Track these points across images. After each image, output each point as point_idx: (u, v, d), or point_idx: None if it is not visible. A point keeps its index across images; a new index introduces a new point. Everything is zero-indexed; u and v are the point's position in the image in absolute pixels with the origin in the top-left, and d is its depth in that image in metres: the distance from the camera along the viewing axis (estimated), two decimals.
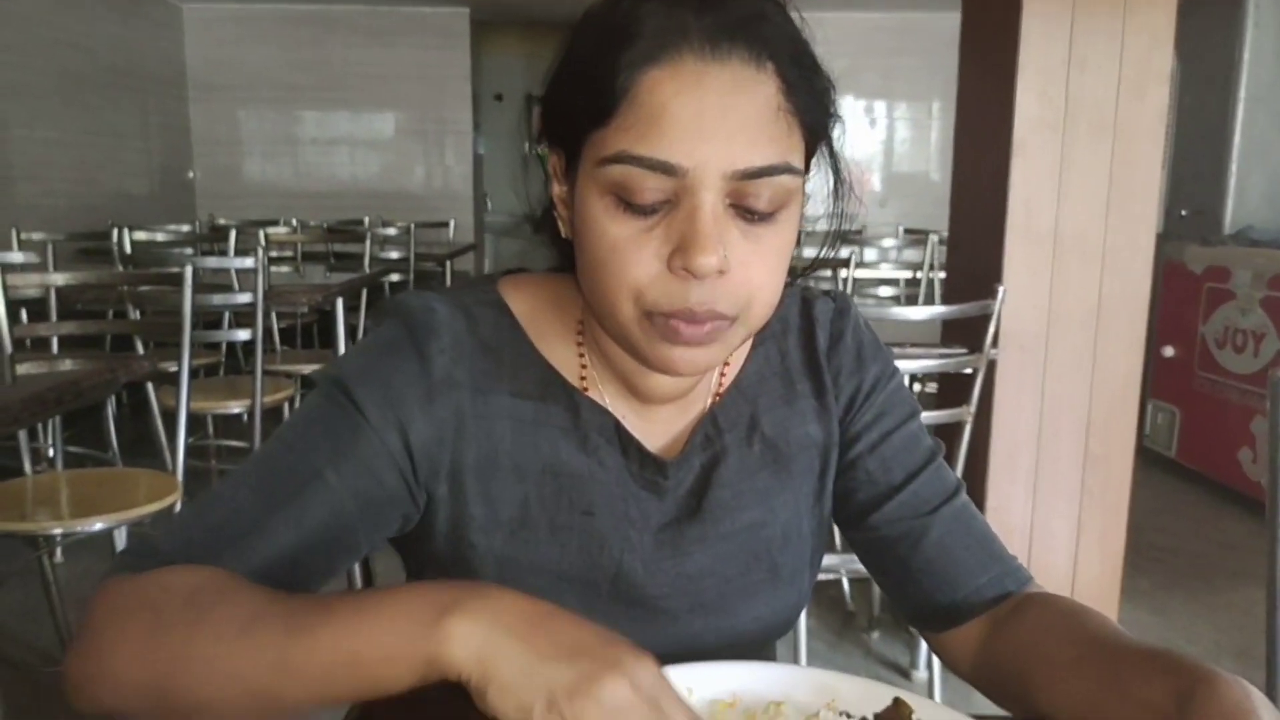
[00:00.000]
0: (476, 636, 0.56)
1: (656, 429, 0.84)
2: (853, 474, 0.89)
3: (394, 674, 0.58)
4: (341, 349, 2.61)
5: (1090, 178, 2.50)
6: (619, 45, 0.68)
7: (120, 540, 2.22)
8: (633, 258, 0.69)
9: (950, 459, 1.97)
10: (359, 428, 0.74)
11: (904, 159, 7.73)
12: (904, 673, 2.75)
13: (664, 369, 0.74)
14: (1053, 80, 2.45)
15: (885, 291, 4.91)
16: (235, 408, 3.30)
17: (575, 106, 0.71)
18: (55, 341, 2.82)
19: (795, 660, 2.35)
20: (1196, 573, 3.55)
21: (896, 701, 0.68)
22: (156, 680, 0.63)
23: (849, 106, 7.26)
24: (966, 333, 2.37)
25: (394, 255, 5.09)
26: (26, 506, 2.23)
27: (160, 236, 4.89)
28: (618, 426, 0.82)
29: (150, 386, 2.82)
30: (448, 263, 5.01)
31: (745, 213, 0.69)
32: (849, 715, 0.67)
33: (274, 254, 5.18)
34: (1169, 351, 4.58)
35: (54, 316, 3.22)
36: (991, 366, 2.44)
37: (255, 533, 0.71)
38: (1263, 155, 4.62)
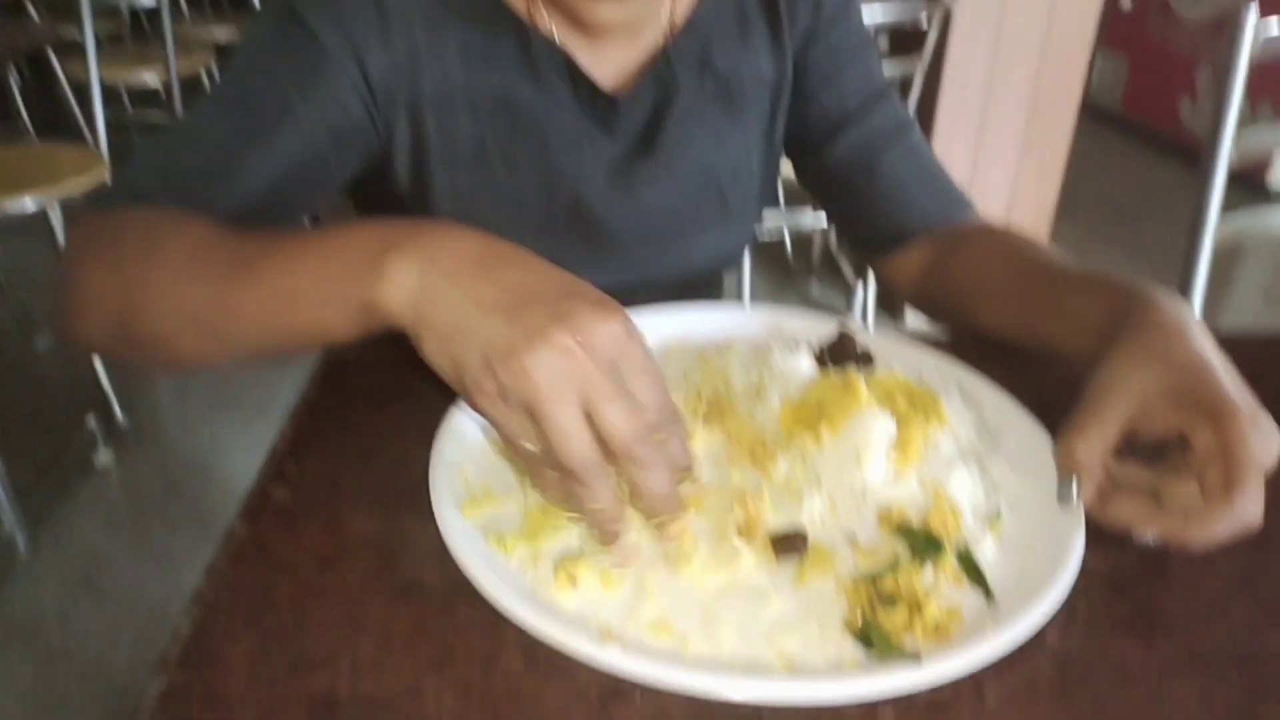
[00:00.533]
0: (412, 279, 0.51)
1: (607, 65, 0.83)
2: (808, 105, 0.90)
3: (331, 318, 0.55)
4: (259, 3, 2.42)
5: None
6: None
7: (55, 218, 2.17)
8: None
9: None
10: (318, 56, 0.72)
11: None
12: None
13: None
14: None
15: None
16: (148, 78, 3.10)
17: None
18: None
19: None
20: (1122, 220, 3.72)
21: (842, 332, 0.74)
22: (119, 312, 0.63)
23: None
24: None
25: None
26: None
27: None
28: (568, 62, 0.81)
29: (53, 57, 2.62)
30: None
31: None
32: (797, 345, 0.72)
33: None
34: (1127, 4, 4.44)
35: None
36: (947, 17, 2.36)
37: (231, 168, 0.71)
38: None
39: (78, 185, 2.12)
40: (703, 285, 0.97)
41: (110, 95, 3.53)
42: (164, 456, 2.36)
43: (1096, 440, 0.59)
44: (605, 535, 0.54)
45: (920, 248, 0.89)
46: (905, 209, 0.88)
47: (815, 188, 0.94)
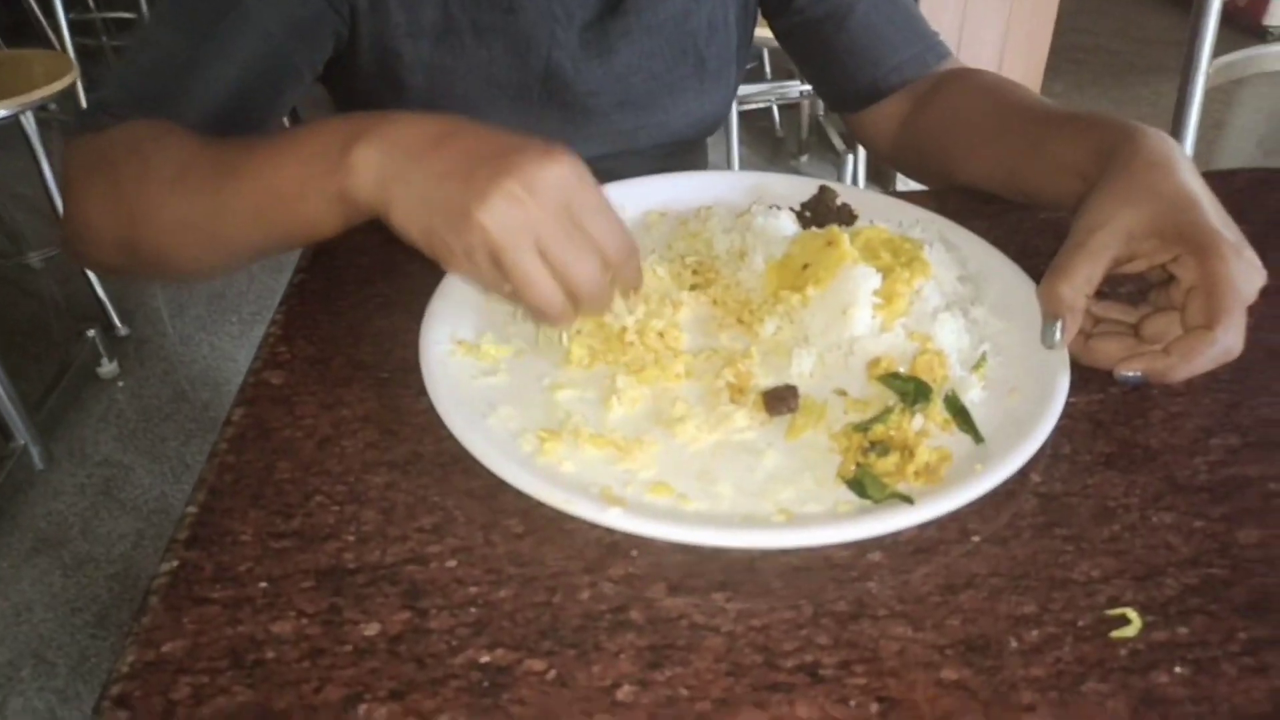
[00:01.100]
0: (376, 164, 0.54)
1: None
2: None
3: (313, 212, 0.58)
4: None
5: None
6: None
7: (30, 126, 2.13)
8: None
9: None
10: None
11: None
12: None
13: None
14: None
15: None
16: None
17: None
18: None
19: None
20: (1112, 72, 3.63)
21: (822, 188, 0.73)
22: (123, 231, 0.65)
23: None
24: None
25: None
26: None
27: None
28: None
29: None
30: None
31: None
32: (778, 207, 0.72)
33: None
34: None
35: None
36: None
37: (190, 70, 0.70)
38: None
39: (48, 91, 2.07)
40: (685, 154, 0.96)
41: None
42: (167, 365, 2.38)
43: (1081, 281, 0.59)
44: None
45: (897, 100, 0.87)
46: (880, 59, 0.86)
47: (790, 44, 0.92)
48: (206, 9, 0.71)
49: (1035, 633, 0.46)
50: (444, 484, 0.55)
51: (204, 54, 0.70)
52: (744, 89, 2.71)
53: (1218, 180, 0.83)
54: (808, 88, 2.61)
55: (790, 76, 2.89)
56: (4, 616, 1.74)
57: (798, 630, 0.46)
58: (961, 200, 0.79)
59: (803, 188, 0.76)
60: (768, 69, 3.23)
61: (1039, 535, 0.51)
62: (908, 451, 0.55)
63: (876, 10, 0.86)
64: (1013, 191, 0.76)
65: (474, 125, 0.55)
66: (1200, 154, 3.01)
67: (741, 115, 2.64)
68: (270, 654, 0.45)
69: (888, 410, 0.57)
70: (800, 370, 0.61)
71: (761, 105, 3.04)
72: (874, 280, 0.61)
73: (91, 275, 2.39)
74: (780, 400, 0.58)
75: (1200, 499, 0.53)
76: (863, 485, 0.53)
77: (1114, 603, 0.47)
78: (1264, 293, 0.59)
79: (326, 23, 0.75)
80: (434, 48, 0.78)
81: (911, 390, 0.58)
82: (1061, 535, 0.51)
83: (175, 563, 0.50)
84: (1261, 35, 3.65)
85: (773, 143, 3.21)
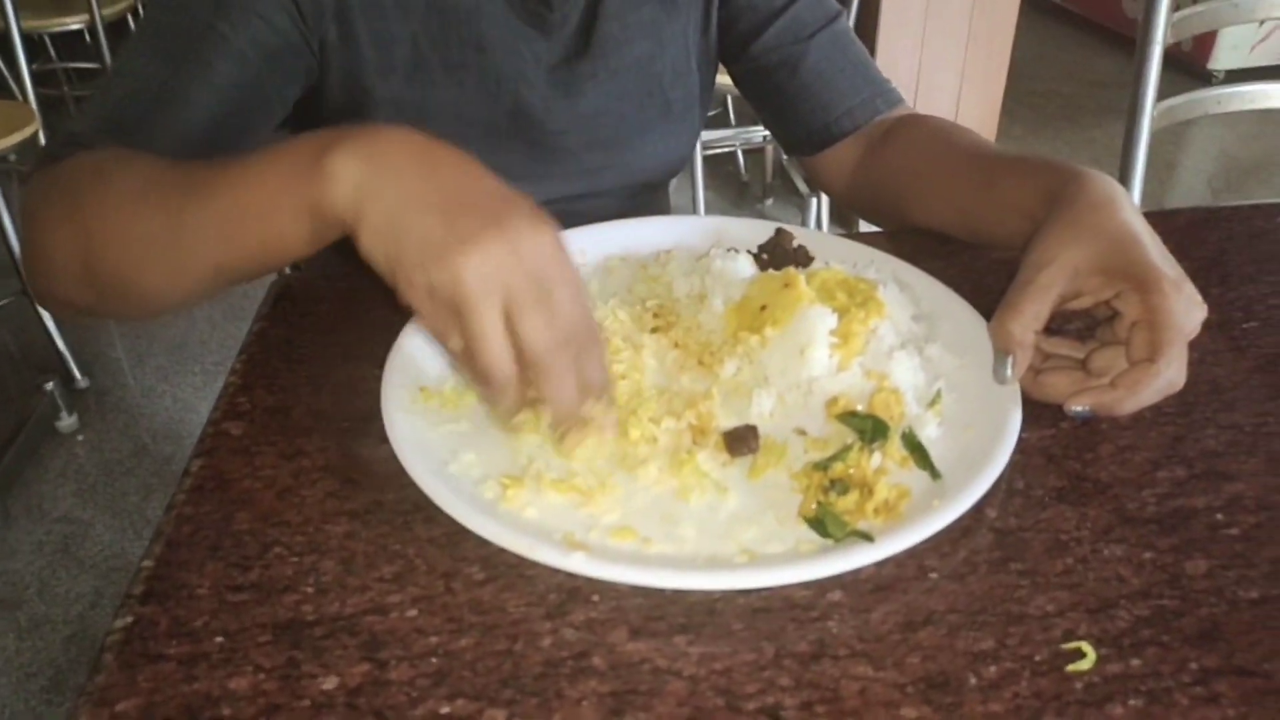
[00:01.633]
0: (353, 173, 0.52)
1: None
2: (735, 1, 0.89)
3: (282, 225, 0.55)
4: None
5: None
6: None
7: None
8: None
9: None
10: None
11: None
12: None
13: None
14: None
15: None
16: (72, 23, 2.99)
17: None
18: None
19: None
20: (1066, 115, 3.73)
21: (778, 231, 0.75)
22: (81, 256, 0.63)
23: None
24: None
25: None
26: None
27: None
28: None
29: None
30: None
31: None
32: (736, 250, 0.73)
33: None
34: None
35: None
36: None
37: (167, 99, 0.70)
38: None
39: (8, 142, 2.06)
40: (648, 196, 0.98)
41: (35, 46, 3.41)
42: (128, 417, 2.34)
43: (1030, 317, 0.60)
44: (495, 406, 0.55)
45: (850, 144, 0.90)
46: (832, 104, 0.89)
47: (746, 89, 0.94)
48: (181, 36, 0.71)
49: (993, 668, 0.46)
50: (405, 532, 0.55)
51: (180, 79, 0.70)
52: (709, 134, 2.75)
53: (1160, 219, 0.85)
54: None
55: (754, 122, 2.94)
56: None
57: (759, 672, 0.47)
58: (917, 241, 0.81)
59: (760, 231, 0.77)
60: (732, 115, 3.28)
61: (995, 570, 0.52)
62: (867, 489, 0.55)
63: (828, 59, 0.88)
64: (964, 232, 0.78)
65: (460, 156, 0.54)
66: (1152, 194, 3.09)
67: (707, 160, 2.68)
68: (226, 711, 0.45)
69: (846, 448, 0.58)
70: (760, 411, 0.62)
71: (726, 150, 3.09)
72: (830, 320, 0.62)
73: (50, 325, 2.35)
74: (741, 441, 0.59)
75: (1149, 530, 0.54)
76: (823, 524, 0.54)
77: (1069, 636, 0.48)
78: (1207, 327, 0.61)
79: (299, 55, 0.76)
80: (405, 84, 0.79)
81: (869, 428, 0.59)
82: (1017, 570, 0.52)
83: (130, 618, 0.49)
84: (1207, 79, 3.77)
85: (738, 186, 3.25)
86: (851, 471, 0.57)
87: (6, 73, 2.53)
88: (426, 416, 0.61)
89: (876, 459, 0.57)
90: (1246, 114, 1.37)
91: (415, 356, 0.65)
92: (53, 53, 3.45)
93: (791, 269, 0.69)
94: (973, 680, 0.46)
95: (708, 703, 0.45)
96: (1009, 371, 0.60)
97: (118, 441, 2.26)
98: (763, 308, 0.65)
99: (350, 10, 0.76)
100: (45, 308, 0.67)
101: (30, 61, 2.33)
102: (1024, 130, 3.55)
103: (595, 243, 0.78)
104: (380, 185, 0.51)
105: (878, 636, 0.48)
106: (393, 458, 0.56)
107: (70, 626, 1.79)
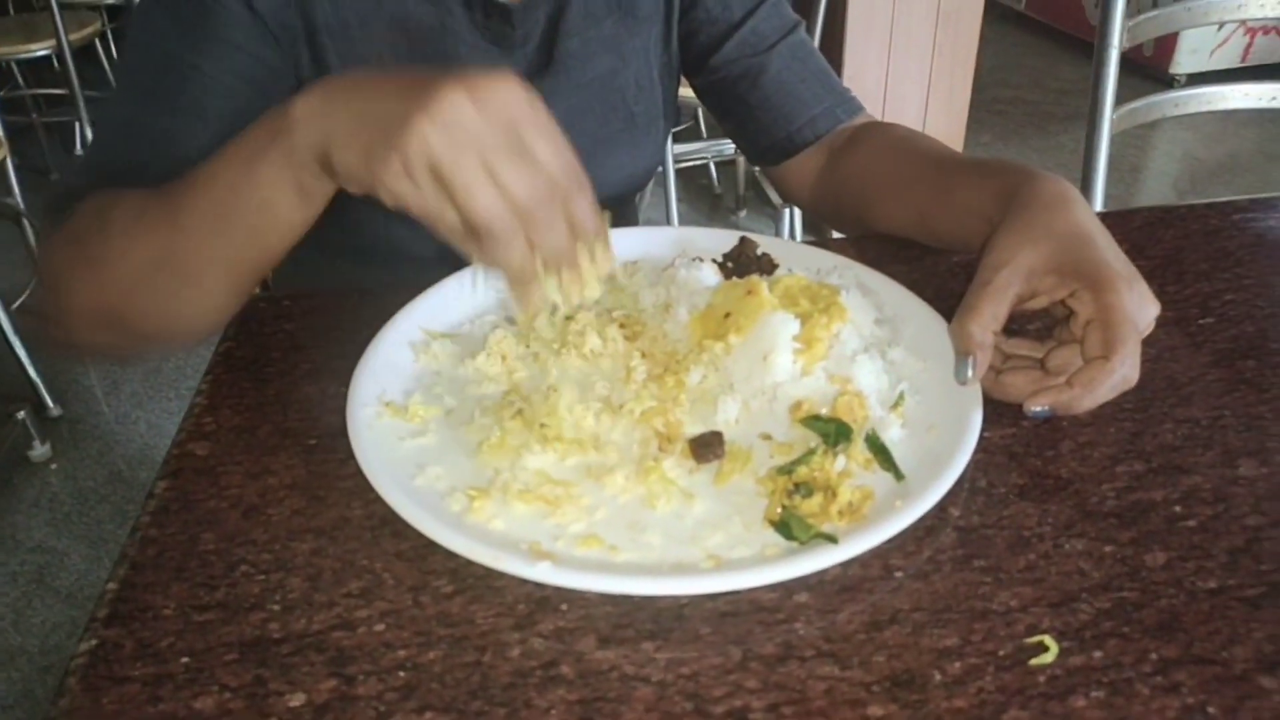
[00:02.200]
0: (312, 110, 0.54)
1: None
2: (694, 14, 0.91)
3: (266, 188, 0.56)
4: None
5: None
6: None
7: None
8: None
9: (809, 30, 1.97)
10: (206, 9, 0.72)
11: None
12: None
13: None
14: None
15: None
16: (39, 49, 2.97)
17: None
18: None
19: None
20: (1033, 122, 3.78)
21: (742, 239, 0.75)
22: (96, 297, 0.64)
23: None
24: None
25: None
26: None
27: None
28: None
29: None
30: None
31: None
32: (700, 259, 0.74)
33: None
34: None
35: None
36: None
37: (159, 141, 0.71)
38: None
39: None
40: (617, 209, 0.98)
41: (1, 72, 3.40)
42: (102, 445, 2.32)
43: (988, 318, 0.61)
44: (520, 290, 0.54)
45: (812, 153, 0.91)
46: (793, 115, 0.90)
47: (709, 101, 0.95)
48: (166, 78, 0.71)
49: (958, 665, 0.47)
50: (372, 547, 0.55)
51: (174, 121, 0.71)
52: (681, 147, 2.76)
53: (1117, 219, 0.87)
54: None
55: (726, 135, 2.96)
56: None
57: (726, 675, 0.47)
58: (880, 246, 0.82)
59: (725, 240, 0.78)
60: (703, 127, 3.30)
61: (959, 568, 0.52)
62: (831, 492, 0.56)
63: (788, 69, 0.89)
64: (924, 236, 0.79)
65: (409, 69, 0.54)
66: (1118, 197, 3.14)
67: (679, 173, 2.69)
68: None
69: (810, 452, 0.58)
70: (726, 417, 0.62)
71: (699, 162, 3.11)
72: (793, 326, 0.63)
73: (21, 354, 2.33)
74: (706, 447, 0.59)
75: (1109, 524, 0.55)
76: (788, 527, 0.54)
77: (1032, 631, 0.49)
78: (1163, 323, 0.62)
79: (284, 79, 0.77)
80: None
81: (833, 431, 0.60)
82: (980, 567, 0.52)
83: (94, 642, 0.49)
84: (1168, 83, 3.83)
85: (711, 199, 3.27)
86: (816, 475, 0.57)
87: None
88: (393, 430, 0.61)
89: (840, 462, 0.58)
90: (1209, 117, 1.40)
91: (381, 371, 0.65)
92: (20, 79, 3.43)
93: (755, 276, 0.70)
94: (938, 677, 0.46)
95: (676, 707, 0.45)
96: (969, 372, 0.61)
97: (92, 469, 2.24)
98: (726, 315, 0.65)
99: (318, 34, 0.77)
100: (73, 356, 0.68)
101: None
102: (992, 138, 3.59)
103: None
104: (342, 100, 0.53)
105: (844, 636, 0.49)
106: (360, 473, 0.56)
107: (46, 657, 1.77)
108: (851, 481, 0.57)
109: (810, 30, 0.84)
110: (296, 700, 0.46)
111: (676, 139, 2.85)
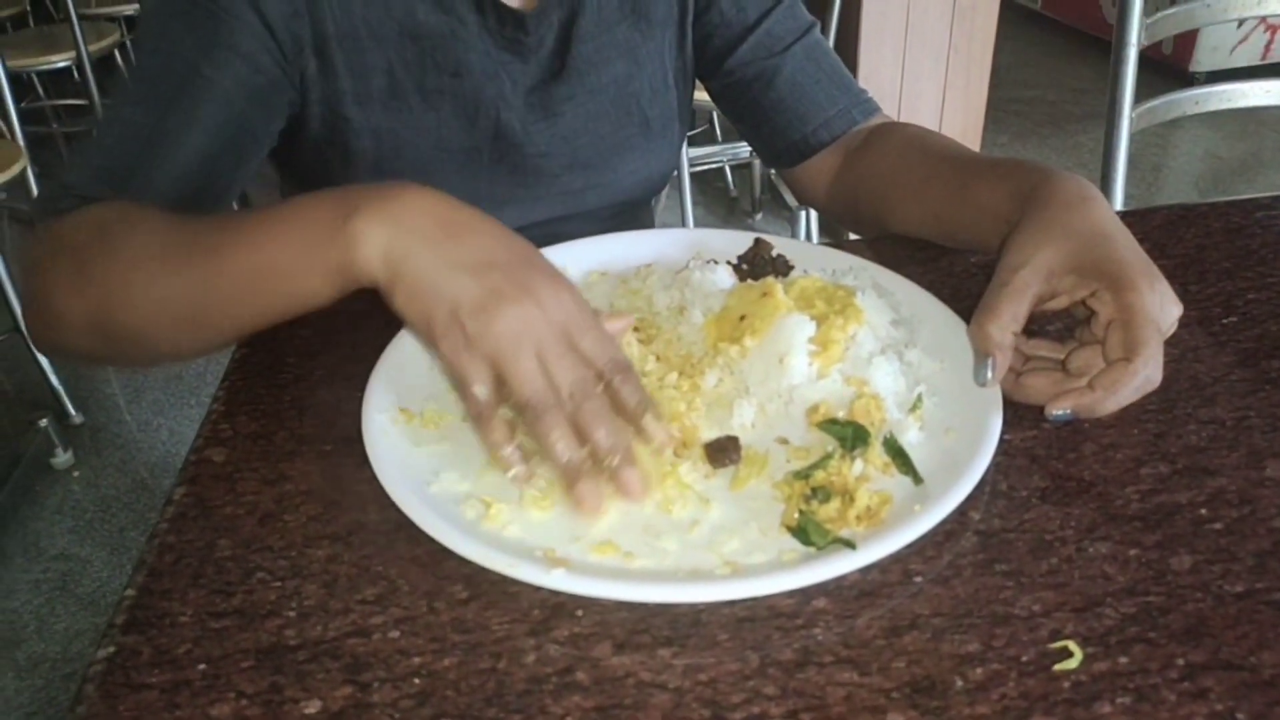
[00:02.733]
0: (382, 237, 0.55)
1: None
2: (708, 17, 0.90)
3: (309, 284, 0.58)
4: None
5: None
6: None
7: None
8: None
9: (824, 30, 1.97)
10: (214, 17, 0.72)
11: None
12: None
13: None
14: None
15: None
16: (59, 61, 3.01)
17: None
18: None
19: None
20: (1051, 121, 3.75)
21: (757, 241, 0.75)
22: (92, 313, 0.64)
23: None
24: None
25: None
26: None
27: None
28: None
29: None
30: None
31: None
32: (715, 261, 0.73)
33: None
34: None
35: None
36: None
37: (157, 144, 0.71)
38: None
39: None
40: (631, 214, 0.98)
41: (23, 84, 3.43)
42: (124, 453, 2.34)
43: (1008, 319, 0.60)
44: (567, 478, 0.55)
45: (828, 154, 0.90)
46: (808, 116, 0.89)
47: (724, 104, 0.95)
48: (168, 82, 0.72)
49: (980, 671, 0.46)
50: (387, 553, 0.54)
51: (171, 124, 0.71)
52: (696, 150, 2.76)
53: (1138, 218, 0.86)
54: None
55: (741, 137, 2.96)
56: None
57: (744, 682, 0.46)
58: (897, 247, 0.81)
59: (739, 241, 0.77)
60: (718, 131, 3.30)
61: (980, 573, 0.52)
62: (848, 496, 0.55)
63: (803, 71, 0.89)
64: (941, 236, 0.79)
65: (481, 216, 0.57)
66: (1139, 197, 3.11)
67: (694, 176, 2.69)
68: None
69: (827, 456, 0.58)
70: (742, 421, 0.62)
71: (714, 166, 3.10)
72: (809, 328, 0.63)
73: (44, 362, 2.35)
74: (722, 452, 0.59)
75: (1134, 528, 0.54)
76: (806, 532, 0.53)
77: (1055, 636, 0.48)
78: (1186, 323, 0.61)
79: (282, 90, 0.77)
80: (382, 112, 0.80)
81: (850, 435, 0.59)
82: (1002, 571, 0.52)
83: (112, 648, 0.49)
84: (1188, 81, 3.80)
85: (727, 202, 3.27)
86: (833, 479, 0.56)
87: None
88: (408, 437, 0.61)
89: (858, 466, 0.57)
90: (1231, 115, 1.39)
91: (396, 378, 0.65)
92: (40, 90, 3.47)
93: (770, 278, 0.69)
94: (959, 683, 0.46)
95: (693, 714, 0.45)
96: (989, 374, 0.60)
97: (114, 477, 2.26)
98: (742, 318, 0.65)
99: (327, 42, 0.77)
100: (47, 355, 0.69)
101: (18, 100, 2.34)
102: (1009, 138, 3.57)
103: (576, 258, 0.79)
104: (411, 249, 0.55)
105: (863, 642, 0.48)
106: (375, 479, 0.56)
107: (70, 664, 1.78)
108: (869, 486, 0.56)
109: (825, 30, 0.84)
110: (312, 707, 0.46)
111: (691, 143, 2.85)
